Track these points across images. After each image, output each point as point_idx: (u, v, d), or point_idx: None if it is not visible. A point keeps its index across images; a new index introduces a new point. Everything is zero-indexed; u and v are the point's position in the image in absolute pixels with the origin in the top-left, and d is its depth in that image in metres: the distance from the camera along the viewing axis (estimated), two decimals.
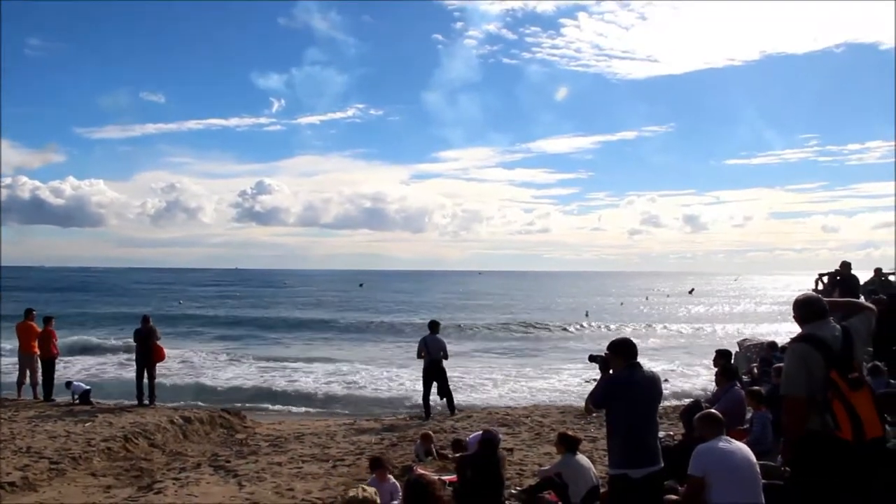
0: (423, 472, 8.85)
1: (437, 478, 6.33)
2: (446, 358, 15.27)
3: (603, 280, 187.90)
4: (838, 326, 4.71)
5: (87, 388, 16.20)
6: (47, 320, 16.72)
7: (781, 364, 9.92)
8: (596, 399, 5.78)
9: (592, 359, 6.14)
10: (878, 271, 18.29)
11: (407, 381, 24.19)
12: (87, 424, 13.21)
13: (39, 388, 16.35)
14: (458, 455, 8.89)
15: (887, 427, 5.23)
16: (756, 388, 9.64)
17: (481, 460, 7.58)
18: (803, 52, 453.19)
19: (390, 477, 8.42)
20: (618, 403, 5.58)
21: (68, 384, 16.67)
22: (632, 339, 5.89)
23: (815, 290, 18.02)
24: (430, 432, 11.61)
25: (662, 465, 5.62)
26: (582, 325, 46.31)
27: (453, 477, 8.37)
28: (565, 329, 44.74)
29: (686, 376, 25.91)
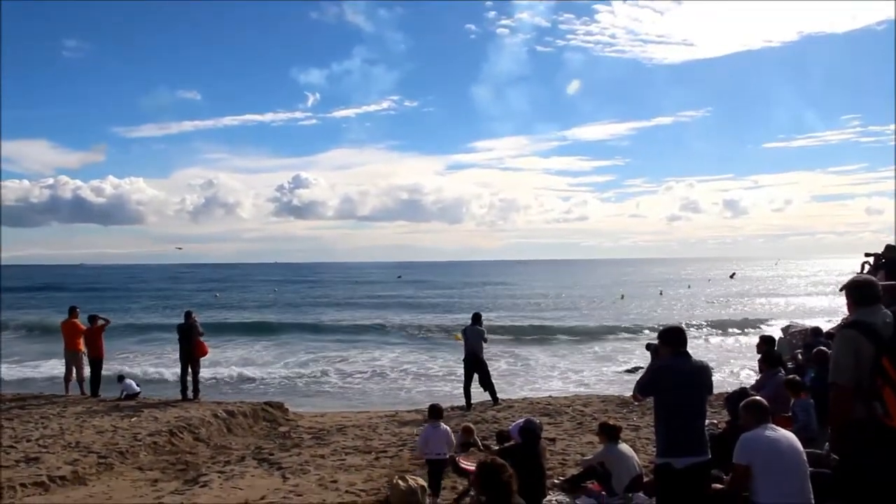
0: (465, 462, 8.88)
1: None
2: (486, 342, 15.50)
3: (641, 267, 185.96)
4: (889, 312, 4.56)
5: (138, 391, 16.42)
6: (92, 319, 16.99)
7: (821, 348, 9.84)
8: (641, 387, 5.77)
9: (648, 347, 6.19)
10: None
11: (448, 372, 24.27)
12: (133, 419, 13.43)
13: (86, 384, 16.66)
14: (498, 447, 8.87)
15: None
16: (792, 376, 9.49)
17: (522, 450, 7.56)
18: (843, 31, 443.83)
19: (442, 423, 8.93)
20: (662, 392, 5.55)
21: (121, 378, 16.95)
22: (682, 327, 5.85)
23: (861, 273, 17.61)
24: (471, 424, 11.60)
25: (709, 455, 5.54)
26: (617, 331, 42.99)
27: None
28: (605, 325, 43.29)
29: (729, 363, 25.58)
